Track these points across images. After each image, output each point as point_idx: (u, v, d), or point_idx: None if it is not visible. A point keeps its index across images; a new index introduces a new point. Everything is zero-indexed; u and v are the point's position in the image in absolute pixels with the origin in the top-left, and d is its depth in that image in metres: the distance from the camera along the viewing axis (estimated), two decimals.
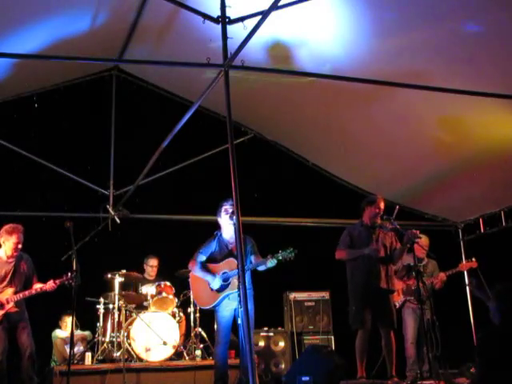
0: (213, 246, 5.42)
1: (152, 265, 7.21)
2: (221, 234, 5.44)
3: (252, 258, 5.27)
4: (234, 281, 5.09)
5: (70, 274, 5.23)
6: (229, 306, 5.21)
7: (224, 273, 5.24)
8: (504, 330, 3.45)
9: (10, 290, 5.32)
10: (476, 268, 6.58)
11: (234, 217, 4.28)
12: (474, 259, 6.53)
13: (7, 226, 5.43)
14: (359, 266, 5.69)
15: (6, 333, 5.27)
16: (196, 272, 5.40)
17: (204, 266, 5.37)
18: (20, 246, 5.38)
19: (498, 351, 3.36)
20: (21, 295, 5.33)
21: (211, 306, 5.30)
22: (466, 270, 6.74)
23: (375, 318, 5.59)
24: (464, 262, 6.75)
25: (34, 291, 5.38)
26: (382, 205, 5.82)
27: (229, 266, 5.23)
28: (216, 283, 5.24)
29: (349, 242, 5.81)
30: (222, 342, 5.23)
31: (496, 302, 3.56)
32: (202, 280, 5.35)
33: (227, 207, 5.28)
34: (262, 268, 5.10)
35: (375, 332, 5.67)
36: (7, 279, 5.36)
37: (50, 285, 5.36)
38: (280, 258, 4.93)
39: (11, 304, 5.29)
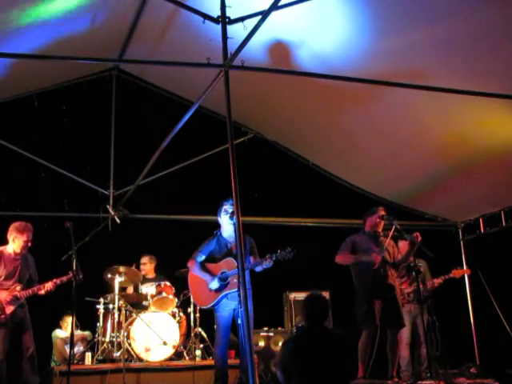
0: (212, 245, 5.42)
1: (143, 262, 7.22)
2: (221, 234, 5.44)
3: (250, 258, 5.27)
4: (233, 280, 5.09)
5: (74, 272, 5.24)
6: (228, 306, 5.20)
7: (223, 272, 5.24)
8: (308, 333, 3.91)
9: (18, 287, 5.34)
10: (476, 270, 6.57)
11: (234, 217, 4.28)
12: (466, 267, 6.50)
13: (17, 223, 5.42)
14: (365, 268, 5.67)
15: (9, 333, 5.28)
16: (195, 271, 5.41)
17: (203, 266, 5.37)
18: (29, 244, 5.40)
19: (294, 357, 3.81)
20: (30, 291, 5.34)
21: (210, 306, 5.29)
22: (459, 277, 6.72)
23: (383, 319, 5.58)
24: (458, 268, 6.71)
25: (42, 287, 5.37)
26: (382, 213, 5.81)
27: (228, 265, 5.23)
28: (214, 284, 5.24)
29: (350, 248, 5.81)
30: (222, 342, 5.23)
31: (303, 310, 3.97)
32: (201, 279, 5.35)
33: (227, 207, 5.29)
34: (258, 269, 5.11)
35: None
36: (16, 276, 5.38)
37: (51, 284, 5.38)
38: (279, 257, 4.93)
39: (23, 300, 5.33)
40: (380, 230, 5.82)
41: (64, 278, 5.36)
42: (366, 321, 5.53)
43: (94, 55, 6.16)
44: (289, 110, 7.17)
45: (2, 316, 5.21)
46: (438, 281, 6.63)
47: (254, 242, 5.44)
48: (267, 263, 4.99)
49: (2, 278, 5.32)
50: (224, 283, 5.22)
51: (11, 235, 5.40)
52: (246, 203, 4.46)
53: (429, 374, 5.77)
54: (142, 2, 5.92)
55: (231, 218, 5.11)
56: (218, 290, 5.23)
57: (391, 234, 5.70)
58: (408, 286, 6.58)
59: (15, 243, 5.37)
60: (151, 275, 7.22)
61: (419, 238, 5.49)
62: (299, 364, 3.75)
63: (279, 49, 5.86)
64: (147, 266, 7.22)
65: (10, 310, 5.24)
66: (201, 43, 5.67)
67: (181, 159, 7.67)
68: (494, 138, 6.31)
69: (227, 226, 5.31)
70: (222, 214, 5.35)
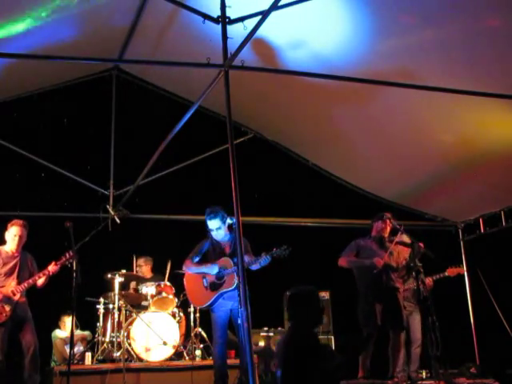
0: (206, 247, 5.45)
1: (139, 264, 7.22)
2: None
3: (245, 257, 5.27)
4: (229, 279, 5.10)
5: (69, 253, 5.26)
6: (224, 306, 5.21)
7: (219, 271, 5.25)
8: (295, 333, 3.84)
9: (13, 282, 5.36)
10: (476, 270, 6.55)
11: (234, 217, 4.28)
12: (462, 265, 6.46)
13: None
14: (366, 270, 5.68)
15: (8, 332, 5.28)
16: (191, 269, 5.41)
17: (199, 263, 5.40)
18: (17, 238, 5.42)
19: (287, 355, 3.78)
20: (25, 284, 5.37)
21: (206, 305, 5.29)
22: (453, 275, 6.71)
23: (385, 320, 5.58)
24: (452, 267, 6.70)
25: (37, 277, 5.42)
26: (389, 221, 5.83)
27: (224, 264, 5.25)
28: (214, 269, 5.23)
29: (354, 252, 5.84)
30: (219, 342, 5.23)
31: (288, 310, 3.86)
32: (197, 279, 5.36)
33: (209, 226, 5.29)
34: (255, 267, 5.12)
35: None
36: (15, 273, 5.41)
37: (53, 268, 5.41)
38: (274, 255, 4.93)
39: (18, 295, 5.34)
40: (386, 235, 5.84)
41: (58, 263, 5.39)
42: (366, 322, 5.54)
43: (94, 55, 6.16)
44: (289, 109, 7.17)
45: (3, 314, 5.22)
46: (431, 279, 6.60)
47: (252, 241, 5.44)
48: (263, 260, 5.00)
49: (1, 275, 5.34)
50: (220, 282, 5.22)
51: (5, 233, 5.47)
52: (246, 203, 4.46)
53: (429, 375, 5.77)
54: (142, 2, 5.91)
55: (224, 223, 5.16)
56: (214, 289, 5.23)
57: (396, 239, 5.71)
58: (403, 284, 6.56)
59: (8, 240, 5.45)
60: (148, 275, 7.21)
61: (422, 248, 5.51)
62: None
63: (279, 49, 5.86)
64: (143, 268, 7.22)
65: (8, 307, 5.25)
66: (201, 43, 5.67)
67: (181, 159, 7.67)
68: (493, 137, 6.31)
69: (217, 235, 5.35)
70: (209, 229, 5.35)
